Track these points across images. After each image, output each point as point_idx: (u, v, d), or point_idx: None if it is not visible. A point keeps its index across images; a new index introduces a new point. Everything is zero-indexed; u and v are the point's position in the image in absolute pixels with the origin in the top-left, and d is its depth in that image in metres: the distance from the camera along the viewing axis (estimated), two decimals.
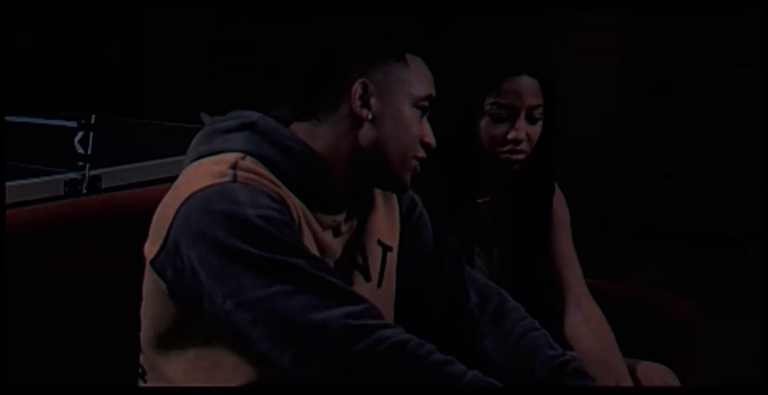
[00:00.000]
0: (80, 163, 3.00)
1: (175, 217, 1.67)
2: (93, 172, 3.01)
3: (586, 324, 2.26)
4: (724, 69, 6.01)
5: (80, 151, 3.00)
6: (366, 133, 1.78)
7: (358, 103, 1.76)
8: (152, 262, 1.69)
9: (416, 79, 1.82)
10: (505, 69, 2.16)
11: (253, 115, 1.79)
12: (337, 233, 1.81)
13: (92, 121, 2.99)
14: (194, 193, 1.67)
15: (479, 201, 2.29)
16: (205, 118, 4.81)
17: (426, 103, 1.83)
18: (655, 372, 2.27)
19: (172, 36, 6.66)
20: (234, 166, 1.69)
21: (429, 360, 1.62)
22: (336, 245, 1.81)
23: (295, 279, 1.62)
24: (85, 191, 2.98)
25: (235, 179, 1.67)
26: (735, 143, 5.86)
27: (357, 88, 1.76)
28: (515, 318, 1.97)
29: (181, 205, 1.67)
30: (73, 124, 3.03)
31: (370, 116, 1.77)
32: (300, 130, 1.79)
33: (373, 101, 1.77)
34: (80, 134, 3.00)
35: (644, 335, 2.46)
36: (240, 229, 1.62)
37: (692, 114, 6.06)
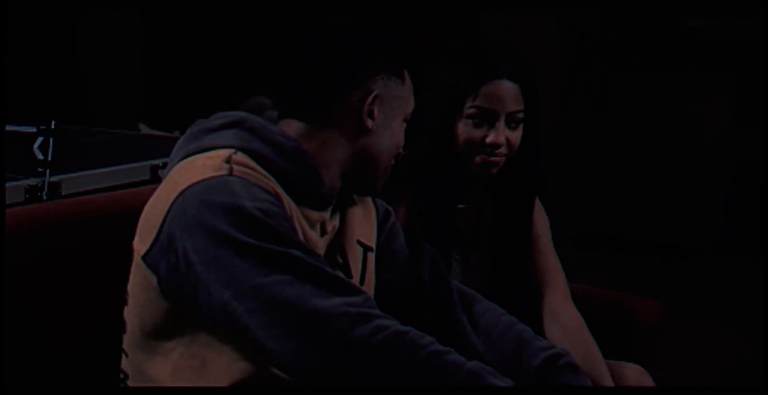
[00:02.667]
0: (40, 169, 2.96)
1: (169, 211, 1.66)
2: (53, 179, 2.97)
3: (563, 334, 2.25)
4: (663, 75, 6.10)
5: (40, 157, 2.95)
6: (363, 142, 1.81)
7: (366, 113, 1.79)
8: (144, 257, 1.68)
9: (409, 95, 1.87)
10: (485, 73, 2.17)
11: (240, 114, 1.80)
12: (323, 232, 1.82)
13: (52, 127, 2.95)
14: (189, 186, 1.66)
15: (459, 206, 2.30)
16: (144, 128, 4.77)
17: (410, 116, 1.89)
18: (629, 373, 2.29)
19: (107, 46, 6.62)
20: (228, 160, 1.70)
21: (429, 349, 1.63)
22: (321, 244, 1.82)
23: (293, 269, 1.62)
24: (45, 198, 2.94)
25: (231, 172, 1.68)
26: (676, 151, 5.94)
27: (370, 100, 1.79)
28: (496, 314, 2.00)
29: (176, 199, 1.66)
30: (32, 129, 2.99)
31: (374, 127, 1.81)
32: (289, 128, 1.80)
33: (376, 113, 1.81)
34: (40, 140, 2.96)
35: (613, 337, 2.47)
36: (238, 220, 1.62)
37: (633, 121, 6.13)
